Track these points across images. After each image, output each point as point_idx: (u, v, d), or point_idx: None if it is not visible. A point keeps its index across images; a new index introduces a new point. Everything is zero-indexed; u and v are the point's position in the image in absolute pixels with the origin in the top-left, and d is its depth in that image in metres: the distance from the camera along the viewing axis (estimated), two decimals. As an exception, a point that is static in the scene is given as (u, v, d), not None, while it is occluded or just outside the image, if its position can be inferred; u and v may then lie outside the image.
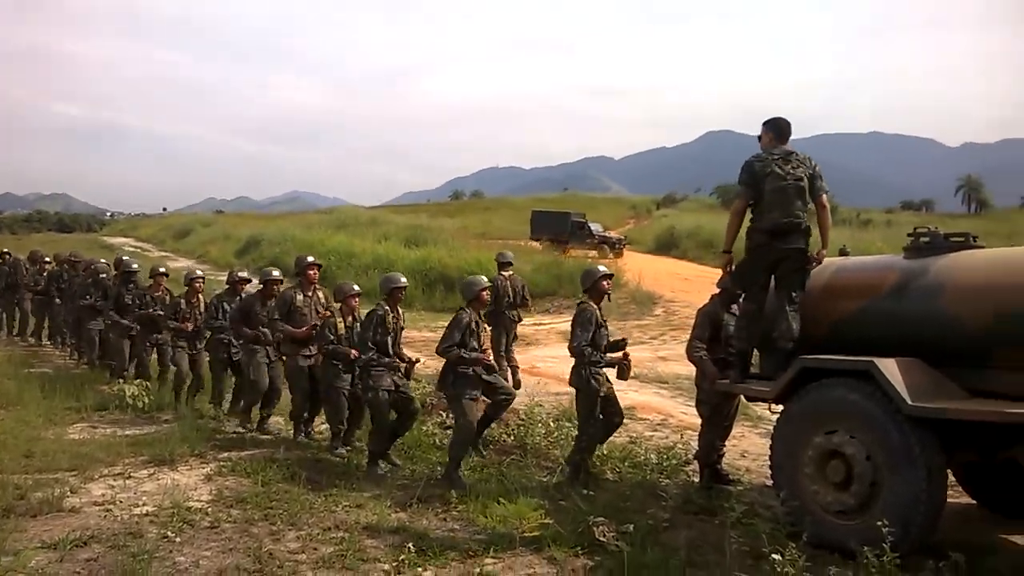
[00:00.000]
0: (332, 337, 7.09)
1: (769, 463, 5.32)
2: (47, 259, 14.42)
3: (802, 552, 4.20)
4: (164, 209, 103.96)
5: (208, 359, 8.73)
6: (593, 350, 6.15)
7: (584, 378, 6.17)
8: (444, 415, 7.92)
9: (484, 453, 7.00)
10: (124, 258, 11.28)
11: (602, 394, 6.21)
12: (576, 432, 6.48)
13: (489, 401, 6.65)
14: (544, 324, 15.99)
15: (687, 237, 33.39)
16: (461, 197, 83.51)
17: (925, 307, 4.87)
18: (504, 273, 10.67)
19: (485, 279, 6.81)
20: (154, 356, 9.82)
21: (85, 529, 5.05)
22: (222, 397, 8.56)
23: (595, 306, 6.29)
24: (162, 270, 10.12)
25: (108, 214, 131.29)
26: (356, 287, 7.38)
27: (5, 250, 15.86)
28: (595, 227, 35.00)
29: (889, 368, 4.60)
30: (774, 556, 4.15)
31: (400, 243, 27.18)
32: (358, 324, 7.19)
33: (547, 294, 19.07)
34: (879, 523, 4.19)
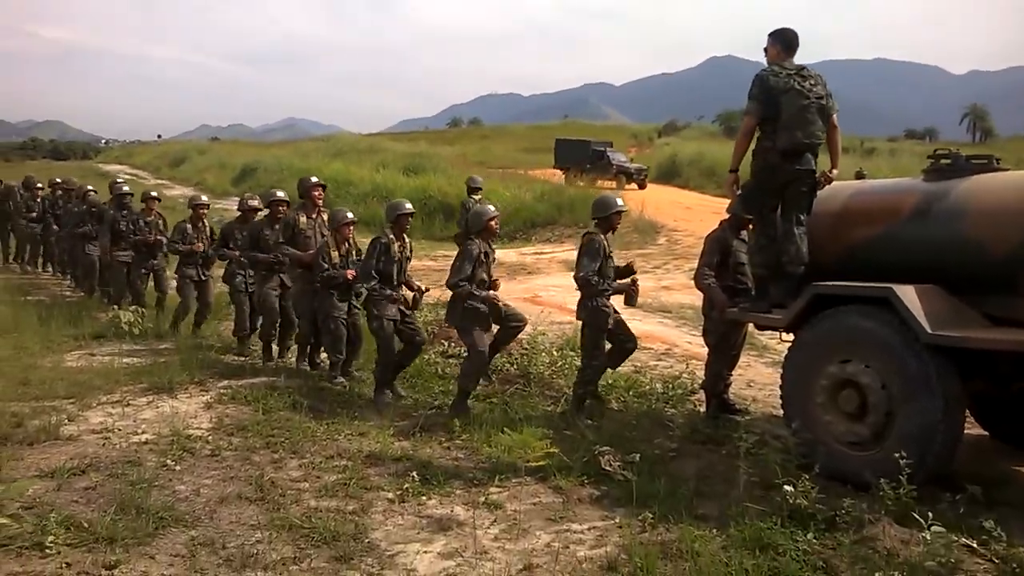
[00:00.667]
0: (326, 265, 6.87)
1: (779, 393, 5.21)
2: (39, 185, 14.14)
3: (814, 484, 4.12)
4: (159, 136, 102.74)
5: (229, 290, 8.43)
6: (600, 279, 5.99)
7: (590, 309, 6.02)
8: (446, 344, 7.82)
9: (492, 379, 6.89)
10: (117, 181, 11.04)
11: (609, 325, 6.06)
12: (580, 363, 6.34)
13: (498, 328, 6.53)
14: (546, 253, 15.83)
15: (689, 165, 32.90)
16: (459, 125, 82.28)
17: (946, 232, 4.68)
18: (474, 197, 11.28)
19: (493, 208, 6.55)
20: (151, 283, 9.69)
21: (83, 457, 4.97)
22: (245, 327, 8.26)
23: (602, 236, 6.09)
24: (153, 194, 9.91)
25: (103, 141, 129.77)
26: (350, 215, 7.13)
27: None
28: (617, 156, 32.84)
29: (908, 295, 4.43)
30: (786, 487, 4.07)
31: (398, 171, 26.82)
32: (353, 252, 7.01)
33: (548, 223, 18.87)
34: (895, 454, 4.09)
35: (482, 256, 6.25)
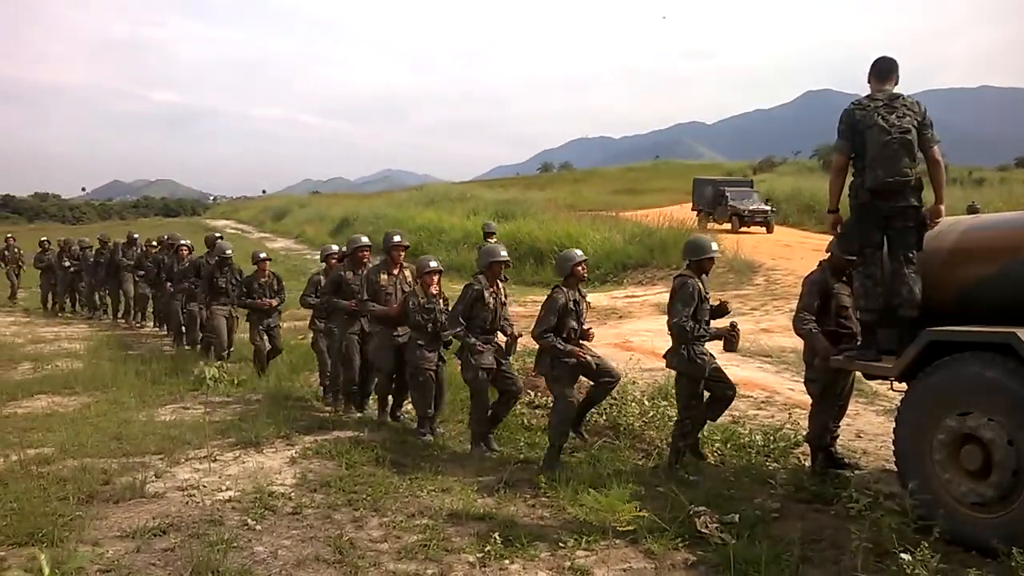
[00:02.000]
0: (416, 314, 6.77)
1: (892, 447, 4.77)
2: (154, 243, 14.72)
3: (935, 550, 3.69)
4: (263, 191, 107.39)
5: (312, 341, 8.56)
6: (695, 324, 5.68)
7: (684, 358, 5.69)
8: (532, 394, 7.60)
9: (586, 437, 6.59)
10: (219, 242, 11.36)
11: (706, 375, 5.73)
12: (676, 414, 6.01)
13: (592, 383, 6.28)
14: (637, 296, 15.46)
15: (786, 202, 31.99)
16: (551, 169, 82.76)
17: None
18: (490, 240, 12.21)
19: (580, 252, 6.32)
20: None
21: (165, 516, 4.94)
22: (329, 377, 8.29)
23: (696, 279, 5.79)
24: (263, 255, 9.74)
25: (211, 198, 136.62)
26: (433, 263, 7.00)
27: (101, 235, 16.78)
28: (745, 196, 28.56)
29: (1034, 341, 3.99)
30: (903, 555, 3.66)
31: (489, 217, 27.00)
32: (440, 301, 6.89)
33: (640, 265, 18.49)
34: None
35: (570, 304, 6.04)
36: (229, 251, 10.43)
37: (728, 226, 26.75)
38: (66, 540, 4.49)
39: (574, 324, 6.09)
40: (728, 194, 28.94)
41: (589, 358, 6.09)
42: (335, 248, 8.65)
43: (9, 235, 19.91)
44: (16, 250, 18.97)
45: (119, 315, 15.64)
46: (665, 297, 14.19)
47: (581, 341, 6.21)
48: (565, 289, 6.10)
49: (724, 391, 5.92)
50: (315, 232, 34.45)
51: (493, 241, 11.94)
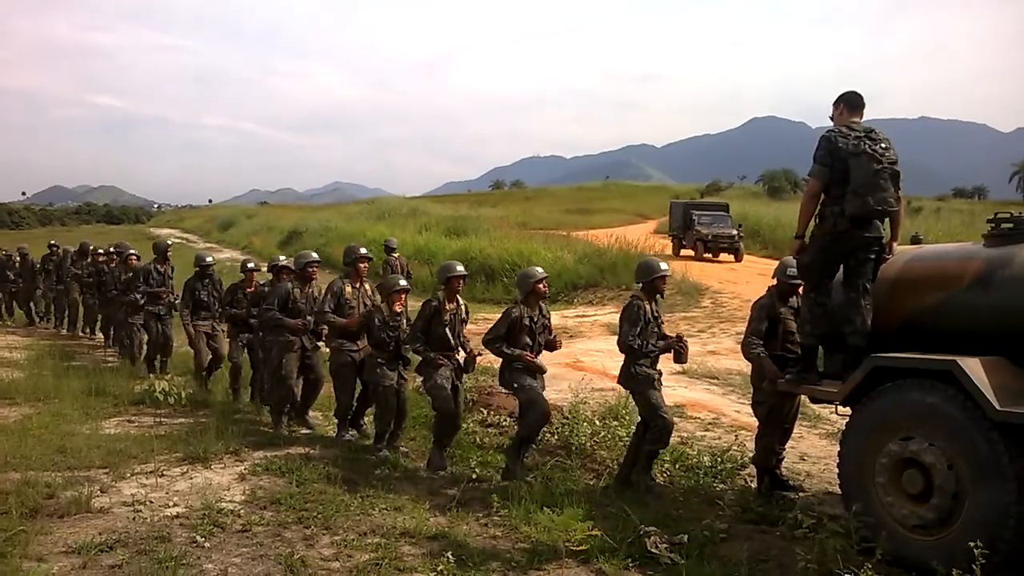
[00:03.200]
0: (381, 331, 6.72)
1: (837, 469, 4.92)
2: (100, 251, 14.20)
3: (877, 571, 3.83)
4: (210, 201, 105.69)
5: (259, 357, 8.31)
6: (643, 343, 5.84)
7: (633, 376, 5.85)
8: (484, 412, 7.63)
9: (531, 449, 6.65)
10: (198, 252, 11.04)
11: (656, 389, 5.87)
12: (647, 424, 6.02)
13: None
14: (588, 316, 15.62)
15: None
16: (502, 187, 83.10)
17: (1012, 300, 4.41)
18: (393, 256, 13.26)
19: (540, 270, 6.46)
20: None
21: (112, 532, 4.84)
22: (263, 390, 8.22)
23: (645, 301, 5.92)
24: (251, 265, 9.27)
25: (155, 206, 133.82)
26: (403, 282, 7.01)
27: (54, 242, 16.13)
28: (716, 221, 26.88)
29: (973, 368, 4.16)
30: (847, 575, 3.78)
31: (441, 233, 27.02)
32: (404, 321, 6.88)
33: (590, 285, 18.68)
34: (970, 542, 3.77)
35: (524, 320, 6.18)
36: (209, 260, 9.81)
37: (692, 253, 25.85)
38: (10, 555, 4.37)
39: (528, 340, 6.19)
40: (695, 217, 27.32)
41: (533, 360, 6.21)
42: (284, 260, 8.50)
43: None
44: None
45: (63, 325, 15.23)
46: (615, 317, 14.39)
47: (544, 351, 6.43)
48: (522, 306, 6.18)
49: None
50: (263, 243, 34.02)
51: (396, 255, 12.80)
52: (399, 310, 6.82)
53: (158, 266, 10.52)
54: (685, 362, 6.29)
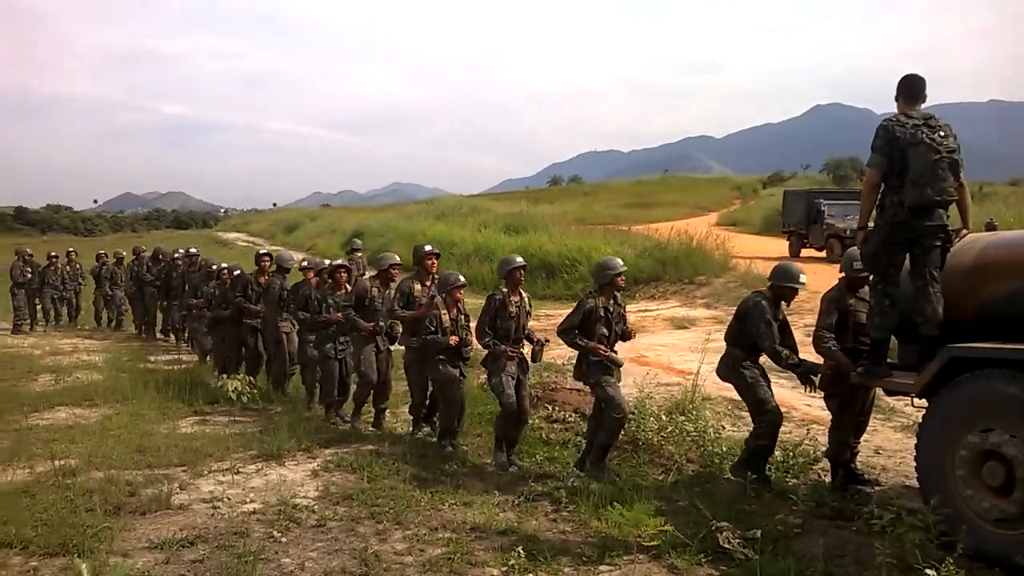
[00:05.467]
0: (433, 328, 6.77)
1: (914, 463, 4.80)
2: (176, 255, 14.55)
3: (959, 566, 3.73)
4: (274, 204, 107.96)
5: (319, 357, 8.39)
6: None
7: (739, 371, 5.83)
8: (550, 408, 7.63)
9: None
10: (280, 252, 10.76)
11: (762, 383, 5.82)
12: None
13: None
14: (651, 310, 15.49)
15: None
16: (560, 183, 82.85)
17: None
18: (357, 254, 13.45)
19: (619, 262, 6.38)
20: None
21: (192, 528, 5.01)
22: (331, 393, 8.26)
23: (769, 301, 5.82)
24: (306, 264, 9.26)
25: (222, 210, 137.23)
26: (461, 278, 7.05)
27: (114, 250, 16.65)
28: (852, 210, 20.54)
29: (1057, 357, 4.03)
30: (927, 572, 3.69)
31: (500, 231, 27.07)
32: (462, 316, 6.94)
33: (652, 279, 18.52)
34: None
35: (599, 311, 6.12)
36: (293, 263, 9.77)
37: (824, 253, 22.09)
38: (96, 551, 4.55)
39: (604, 331, 6.15)
40: (824, 209, 22.73)
41: (608, 353, 6.12)
42: (340, 261, 8.59)
43: (71, 250, 17.93)
44: (78, 267, 17.24)
45: (140, 328, 15.70)
46: (678, 312, 14.21)
47: (619, 342, 6.37)
48: (598, 296, 6.16)
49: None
50: (326, 245, 34.58)
51: (359, 255, 13.31)
52: (460, 306, 6.89)
53: (259, 278, 9.84)
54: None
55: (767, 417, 5.70)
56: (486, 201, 44.20)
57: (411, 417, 7.61)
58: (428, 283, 7.46)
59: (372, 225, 35.67)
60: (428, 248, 7.57)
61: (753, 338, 5.80)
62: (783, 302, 5.94)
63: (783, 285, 5.83)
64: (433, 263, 7.54)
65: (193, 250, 13.44)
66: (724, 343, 6.11)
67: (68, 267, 16.93)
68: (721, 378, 6.10)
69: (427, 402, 7.42)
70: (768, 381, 5.91)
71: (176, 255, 13.96)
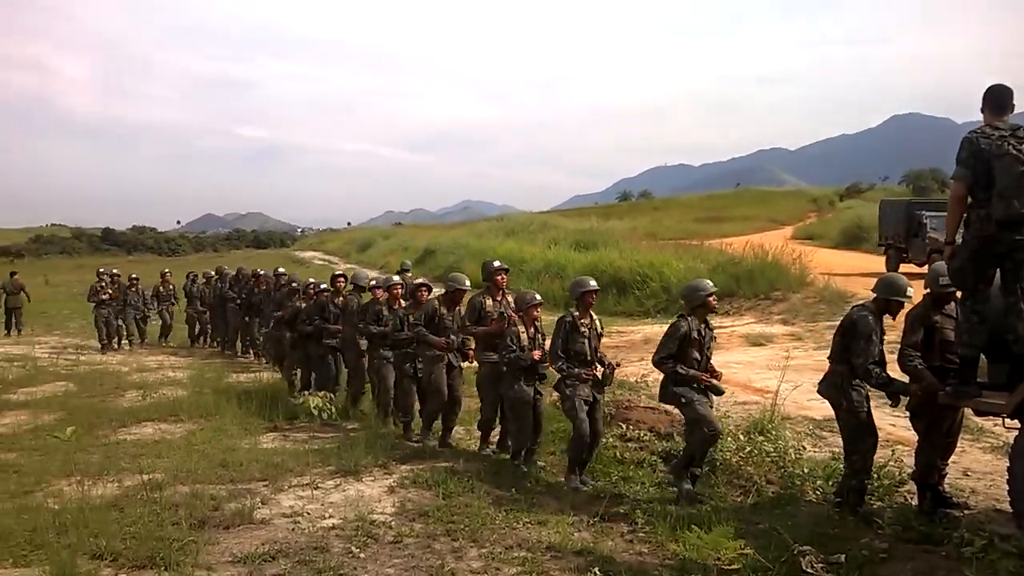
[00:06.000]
0: (514, 346, 6.77)
1: (1007, 486, 4.60)
2: (259, 274, 14.75)
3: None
4: (348, 223, 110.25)
5: (397, 375, 8.50)
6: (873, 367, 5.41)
7: (846, 390, 5.52)
8: (624, 427, 7.56)
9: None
10: (356, 271, 11.13)
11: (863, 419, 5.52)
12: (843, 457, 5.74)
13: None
14: (724, 327, 15.23)
15: (875, 229, 31.01)
16: (629, 198, 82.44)
17: None
18: (407, 274, 11.88)
19: (710, 283, 6.29)
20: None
21: (273, 542, 5.13)
22: (410, 415, 8.34)
23: (875, 316, 5.54)
24: (374, 282, 9.49)
25: (299, 230, 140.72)
26: (537, 297, 7.04)
27: (203, 270, 17.13)
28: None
29: None
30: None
31: (569, 247, 27.04)
32: (539, 335, 6.95)
33: (726, 295, 18.21)
34: None
35: (693, 334, 6.02)
36: (368, 280, 9.88)
37: (926, 269, 21.05)
38: (182, 564, 4.70)
39: (697, 355, 6.06)
40: (927, 222, 21.09)
41: (712, 380, 6.06)
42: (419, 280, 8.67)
43: (166, 271, 18.52)
44: (171, 287, 17.75)
45: (222, 345, 16.17)
46: (754, 328, 13.94)
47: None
48: (690, 318, 6.09)
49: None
50: (399, 262, 35.08)
51: (408, 276, 11.55)
52: (537, 324, 6.90)
53: (335, 299, 9.93)
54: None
55: (864, 448, 5.49)
56: (556, 217, 44.27)
57: (480, 433, 7.66)
58: (499, 298, 7.51)
59: (443, 242, 36.07)
60: (497, 264, 7.65)
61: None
62: (888, 316, 5.65)
63: (890, 298, 5.56)
64: (503, 278, 7.61)
65: (281, 270, 13.75)
66: (827, 361, 5.86)
67: (163, 287, 17.51)
68: (824, 396, 5.78)
69: (497, 419, 7.45)
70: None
71: (259, 274, 14.39)
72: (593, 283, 6.69)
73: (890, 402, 5.70)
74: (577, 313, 6.54)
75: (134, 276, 17.03)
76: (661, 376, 6.25)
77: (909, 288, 5.54)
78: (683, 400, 6.00)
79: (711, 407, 6.12)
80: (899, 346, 5.53)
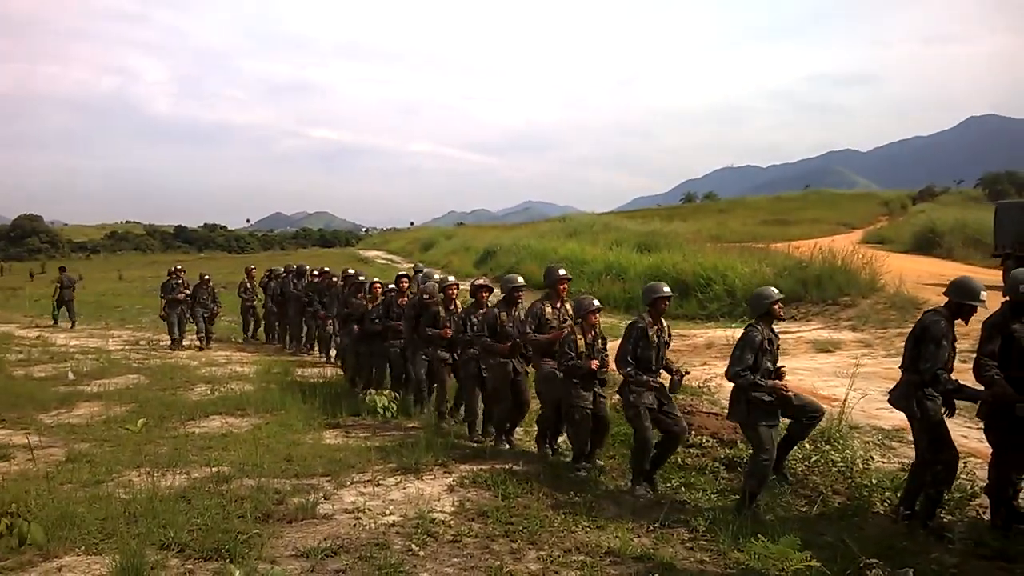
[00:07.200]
0: (572, 354, 6.76)
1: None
2: (322, 272, 15.06)
3: None
4: (411, 223, 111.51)
5: (461, 375, 8.57)
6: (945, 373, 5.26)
7: (916, 401, 5.36)
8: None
9: (789, 479, 6.39)
10: (429, 271, 11.25)
11: (935, 423, 5.35)
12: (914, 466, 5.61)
13: (793, 420, 6.18)
14: (791, 333, 14.94)
15: (950, 234, 30.05)
16: (693, 200, 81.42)
17: None
18: (418, 275, 11.22)
19: (776, 290, 6.09)
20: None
21: (336, 538, 5.20)
22: (475, 415, 8.33)
23: (948, 320, 5.38)
24: (451, 279, 9.45)
25: (364, 229, 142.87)
26: (596, 302, 7.00)
27: (284, 265, 17.34)
28: None
29: None
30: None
31: (632, 249, 26.83)
32: (599, 340, 6.92)
33: (792, 300, 17.85)
34: None
35: (765, 343, 5.86)
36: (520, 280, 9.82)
37: None
38: (247, 557, 4.80)
39: (769, 364, 5.90)
40: None
41: (789, 393, 5.91)
42: (482, 282, 8.63)
43: (251, 266, 18.70)
44: (248, 284, 17.90)
45: (290, 343, 16.48)
46: (821, 334, 13.64)
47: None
48: (760, 327, 5.95)
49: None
50: (460, 262, 35.35)
51: (419, 276, 11.07)
52: (596, 329, 6.87)
53: (399, 299, 10.02)
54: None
55: (947, 458, 5.32)
56: (618, 219, 44.01)
57: (538, 431, 7.67)
58: (559, 305, 7.49)
59: (504, 243, 36.16)
60: (563, 272, 7.58)
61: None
62: (962, 321, 5.44)
63: (963, 302, 5.37)
64: (565, 288, 7.58)
65: (351, 271, 13.85)
66: (899, 370, 5.67)
67: (248, 283, 17.85)
68: (896, 407, 5.61)
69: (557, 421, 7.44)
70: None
71: (323, 272, 14.67)
72: (667, 289, 6.61)
73: (947, 410, 5.48)
74: (649, 319, 6.48)
75: (205, 275, 17.23)
76: (730, 385, 6.07)
77: (983, 292, 5.34)
78: (752, 422, 5.81)
79: (776, 429, 5.94)
80: (975, 355, 5.35)
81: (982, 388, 5.27)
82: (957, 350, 5.47)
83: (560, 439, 7.64)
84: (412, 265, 20.41)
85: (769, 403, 5.78)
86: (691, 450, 7.15)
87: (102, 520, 5.40)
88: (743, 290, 17.45)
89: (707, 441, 7.31)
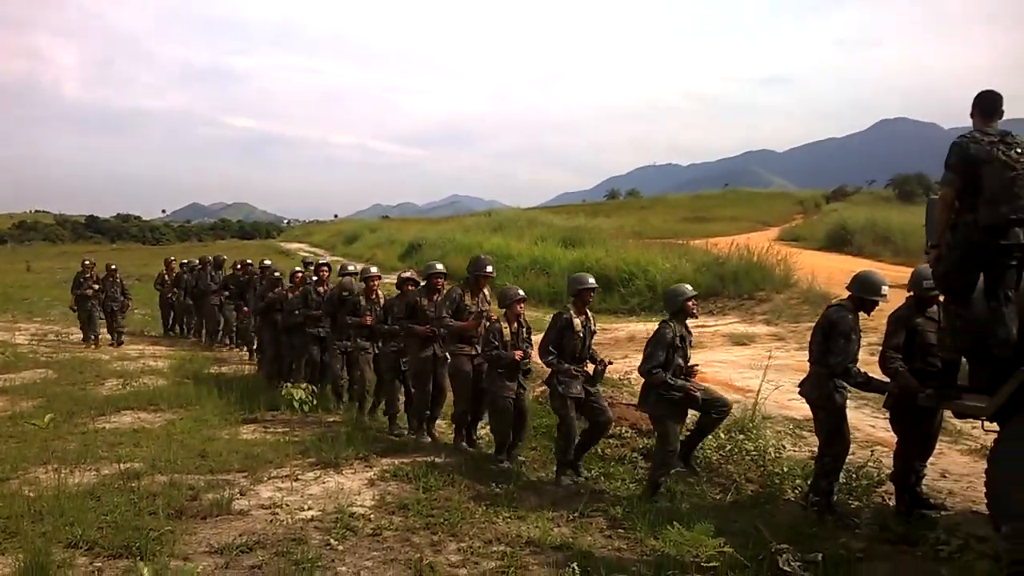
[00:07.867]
0: (496, 343, 6.78)
1: (984, 489, 4.64)
2: (242, 264, 14.66)
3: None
4: (335, 216, 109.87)
5: (381, 368, 8.49)
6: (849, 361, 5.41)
7: (826, 393, 5.52)
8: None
9: (697, 470, 6.51)
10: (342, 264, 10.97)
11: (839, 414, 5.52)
12: (817, 454, 5.75)
13: (701, 414, 6.36)
14: (708, 326, 15.28)
15: (860, 232, 31.17)
16: (617, 196, 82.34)
17: None
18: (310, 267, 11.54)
19: (690, 287, 6.22)
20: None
21: (251, 533, 5.09)
22: (396, 409, 8.30)
23: (853, 314, 5.52)
24: (374, 270, 9.26)
25: (285, 221, 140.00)
26: (521, 292, 7.05)
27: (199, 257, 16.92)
28: None
29: None
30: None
31: (557, 244, 27.02)
32: (523, 330, 6.95)
33: (710, 295, 18.27)
34: None
35: (677, 340, 5.99)
36: (351, 269, 9.86)
37: None
38: (159, 554, 4.66)
39: (680, 361, 6.04)
40: None
41: (697, 392, 6.06)
42: (409, 274, 8.57)
43: (171, 258, 18.38)
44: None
45: (201, 336, 16.07)
46: (737, 328, 13.97)
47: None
48: (673, 324, 6.06)
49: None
50: (385, 256, 34.99)
51: (310, 268, 11.27)
52: (521, 320, 6.90)
53: (318, 287, 9.96)
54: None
55: (837, 451, 5.51)
56: (544, 214, 44.22)
57: (455, 425, 7.65)
58: (479, 296, 7.48)
59: (430, 237, 35.96)
60: (489, 269, 7.54)
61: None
62: (865, 313, 5.62)
63: (865, 297, 5.56)
64: (485, 282, 7.58)
65: (268, 262, 13.52)
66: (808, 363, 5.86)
67: (167, 275, 17.30)
68: (805, 398, 5.74)
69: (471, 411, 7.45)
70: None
71: (243, 264, 14.32)
72: (592, 280, 6.69)
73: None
74: (574, 310, 6.53)
75: (113, 267, 16.21)
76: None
77: (884, 286, 5.54)
78: (658, 415, 6.03)
79: (683, 423, 6.12)
80: (880, 348, 5.56)
81: (888, 380, 5.49)
82: (863, 343, 5.67)
83: (483, 431, 7.64)
84: (333, 259, 20.07)
85: (679, 400, 5.94)
86: (611, 440, 7.24)
87: (6, 519, 5.17)
88: (664, 285, 17.72)
89: (626, 432, 7.42)
